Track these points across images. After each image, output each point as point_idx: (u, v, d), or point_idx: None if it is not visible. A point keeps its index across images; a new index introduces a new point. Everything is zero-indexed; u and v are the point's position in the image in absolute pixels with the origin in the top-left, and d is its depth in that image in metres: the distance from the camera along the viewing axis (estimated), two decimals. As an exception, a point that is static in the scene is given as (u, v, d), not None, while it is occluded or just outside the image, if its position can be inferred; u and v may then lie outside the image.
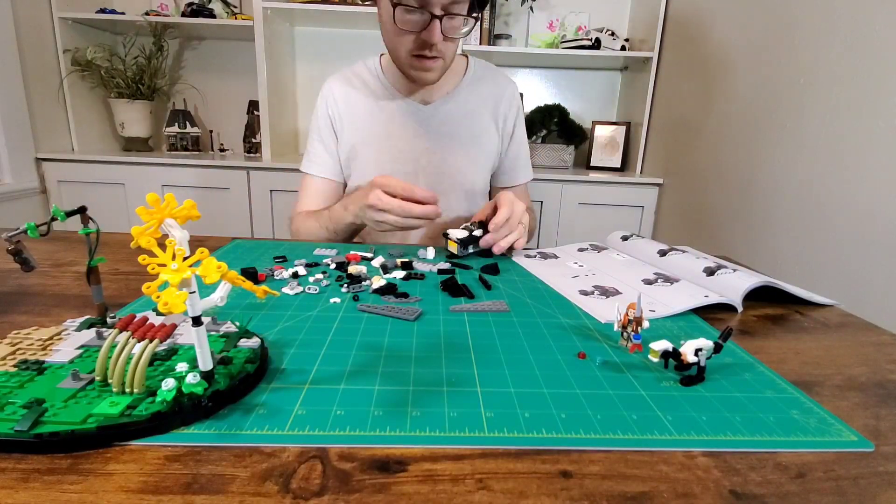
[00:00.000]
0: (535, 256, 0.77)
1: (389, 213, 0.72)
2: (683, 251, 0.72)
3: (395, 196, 0.72)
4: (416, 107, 0.96)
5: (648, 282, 0.64)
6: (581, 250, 0.80)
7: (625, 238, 0.81)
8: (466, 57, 1.03)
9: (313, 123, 1.01)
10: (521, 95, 1.93)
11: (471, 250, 0.76)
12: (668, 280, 0.63)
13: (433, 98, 0.97)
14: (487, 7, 0.97)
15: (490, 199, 0.95)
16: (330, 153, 1.00)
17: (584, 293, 0.60)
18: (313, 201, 1.00)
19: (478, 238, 0.75)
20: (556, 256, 0.77)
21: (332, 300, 0.55)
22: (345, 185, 1.03)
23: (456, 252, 0.74)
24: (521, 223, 0.75)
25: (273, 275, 0.62)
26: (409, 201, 0.72)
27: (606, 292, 0.60)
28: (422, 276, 0.65)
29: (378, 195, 0.73)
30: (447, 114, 0.97)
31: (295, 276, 0.63)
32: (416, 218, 0.72)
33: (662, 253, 0.72)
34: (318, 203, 0.99)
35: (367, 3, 1.90)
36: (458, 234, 0.74)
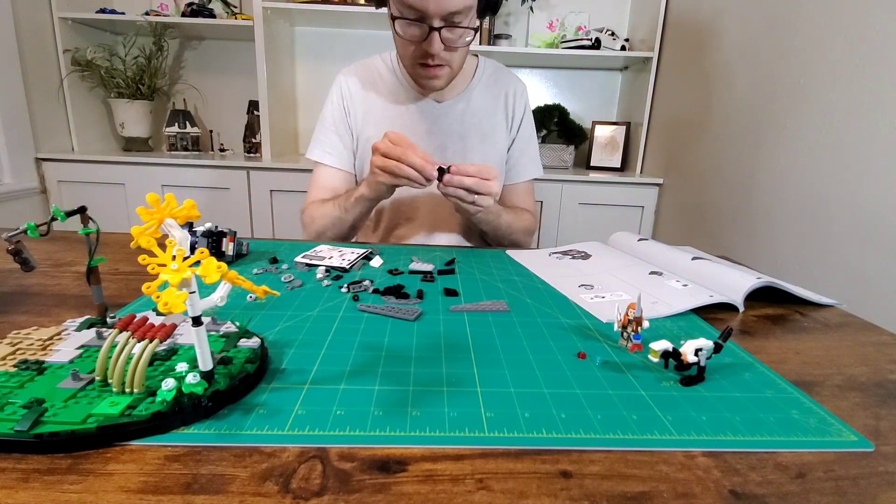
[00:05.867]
0: (561, 256, 0.77)
1: (388, 159, 0.73)
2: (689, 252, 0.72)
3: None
4: (430, 104, 0.97)
5: (654, 273, 0.64)
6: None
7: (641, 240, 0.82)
8: (477, 56, 1.03)
9: (327, 113, 0.99)
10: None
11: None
12: (671, 278, 0.63)
13: (445, 97, 0.97)
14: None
15: (500, 202, 0.94)
16: (345, 144, 0.99)
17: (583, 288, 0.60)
18: (327, 192, 0.97)
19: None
20: (586, 255, 0.77)
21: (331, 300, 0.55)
22: (356, 179, 1.02)
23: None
24: (479, 194, 0.76)
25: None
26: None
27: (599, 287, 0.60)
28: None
29: (386, 141, 0.75)
30: (460, 113, 0.98)
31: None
32: (410, 167, 0.73)
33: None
34: (332, 193, 0.96)
35: (367, 3, 1.90)
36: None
